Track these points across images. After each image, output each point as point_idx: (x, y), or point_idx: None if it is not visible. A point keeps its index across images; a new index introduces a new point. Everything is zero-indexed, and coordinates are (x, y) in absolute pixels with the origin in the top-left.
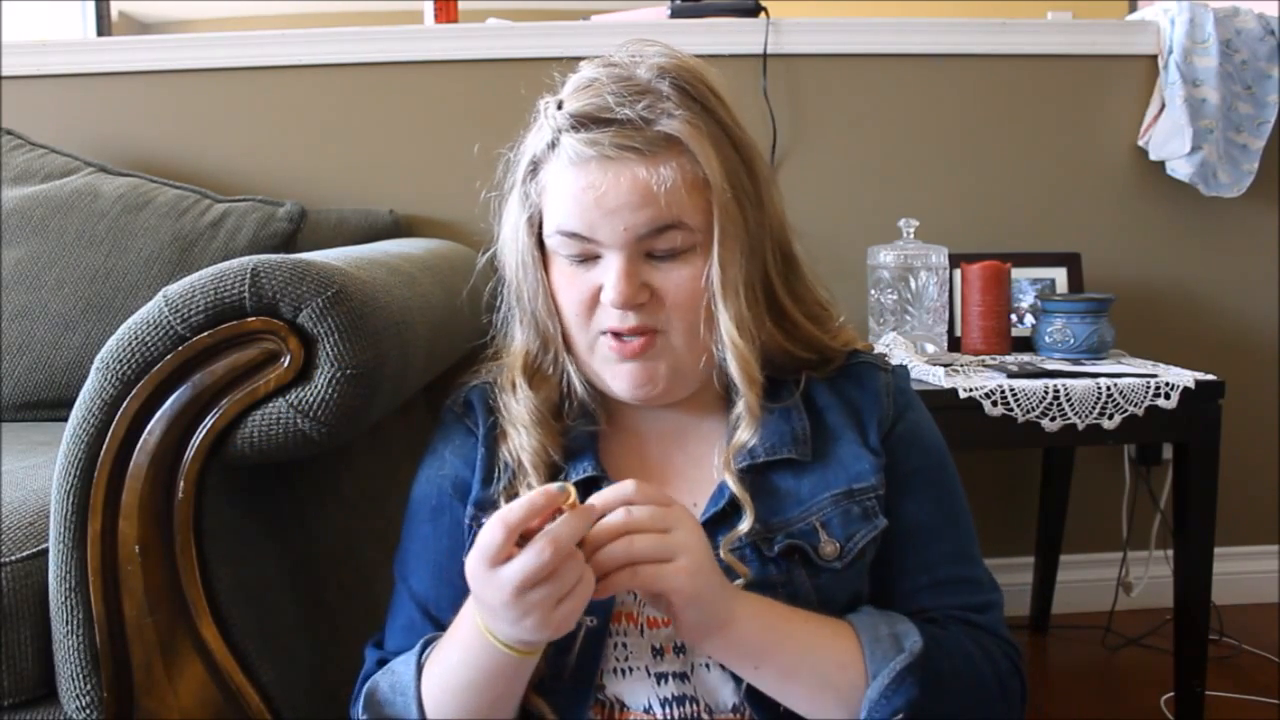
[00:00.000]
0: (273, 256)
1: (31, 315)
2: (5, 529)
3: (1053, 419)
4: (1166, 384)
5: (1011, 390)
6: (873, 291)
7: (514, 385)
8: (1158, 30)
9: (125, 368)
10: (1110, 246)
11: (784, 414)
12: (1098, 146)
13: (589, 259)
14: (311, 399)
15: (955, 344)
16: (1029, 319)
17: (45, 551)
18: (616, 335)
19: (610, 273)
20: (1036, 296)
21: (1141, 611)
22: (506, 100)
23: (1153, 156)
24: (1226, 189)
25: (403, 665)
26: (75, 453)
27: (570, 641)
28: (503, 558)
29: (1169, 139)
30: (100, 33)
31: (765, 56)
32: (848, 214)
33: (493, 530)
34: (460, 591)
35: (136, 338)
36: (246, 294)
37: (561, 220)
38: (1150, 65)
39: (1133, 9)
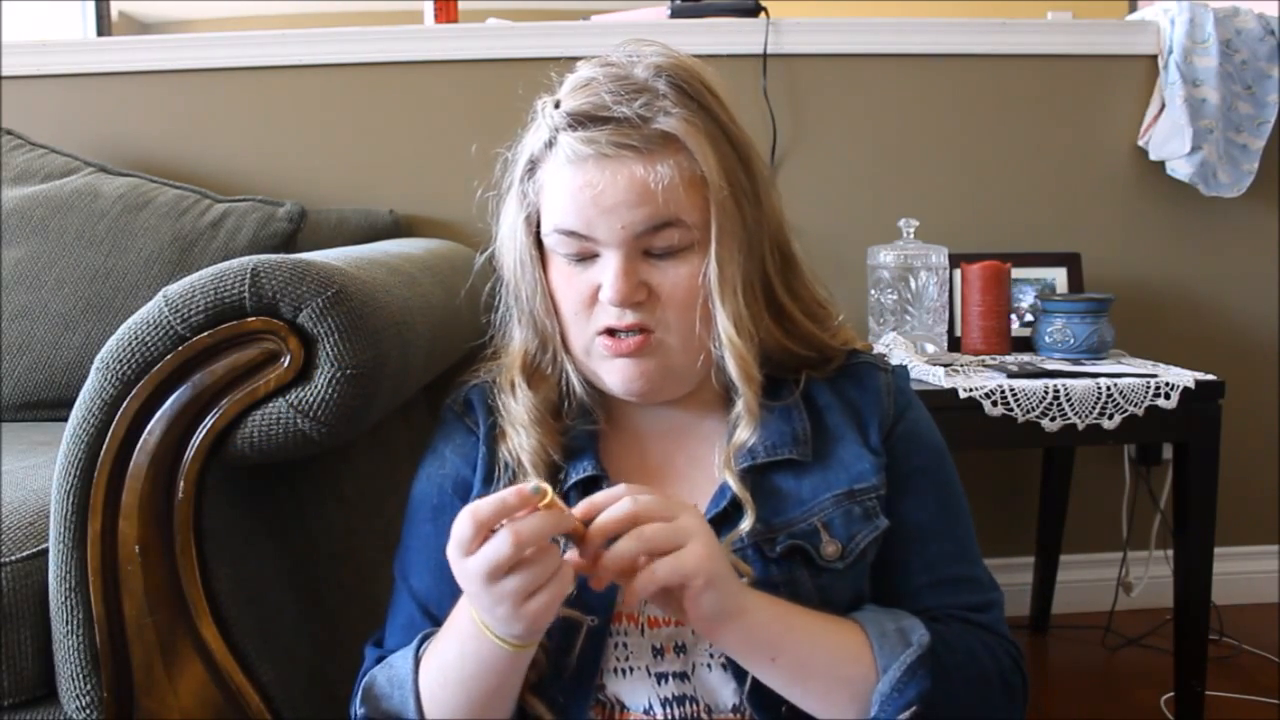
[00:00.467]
0: (273, 256)
1: (31, 315)
2: (5, 529)
3: (1053, 419)
4: (1166, 384)
5: (1011, 390)
6: (873, 291)
7: (513, 385)
8: (1158, 30)
9: (125, 368)
10: (1110, 246)
11: (784, 414)
12: (1098, 146)
13: (587, 258)
14: (311, 399)
15: (955, 344)
16: (1028, 317)
17: (45, 551)
18: (611, 333)
19: (608, 271)
20: (1036, 297)
21: (1141, 611)
22: (506, 100)
23: (1153, 156)
24: (1226, 189)
25: (400, 659)
26: (75, 453)
27: (571, 641)
28: (472, 549)
29: (1169, 139)
30: (100, 33)
31: (765, 56)
32: (848, 214)
33: (462, 522)
34: (460, 590)
35: (136, 338)
36: (246, 294)
37: (559, 219)
38: (1150, 65)
39: (1133, 9)
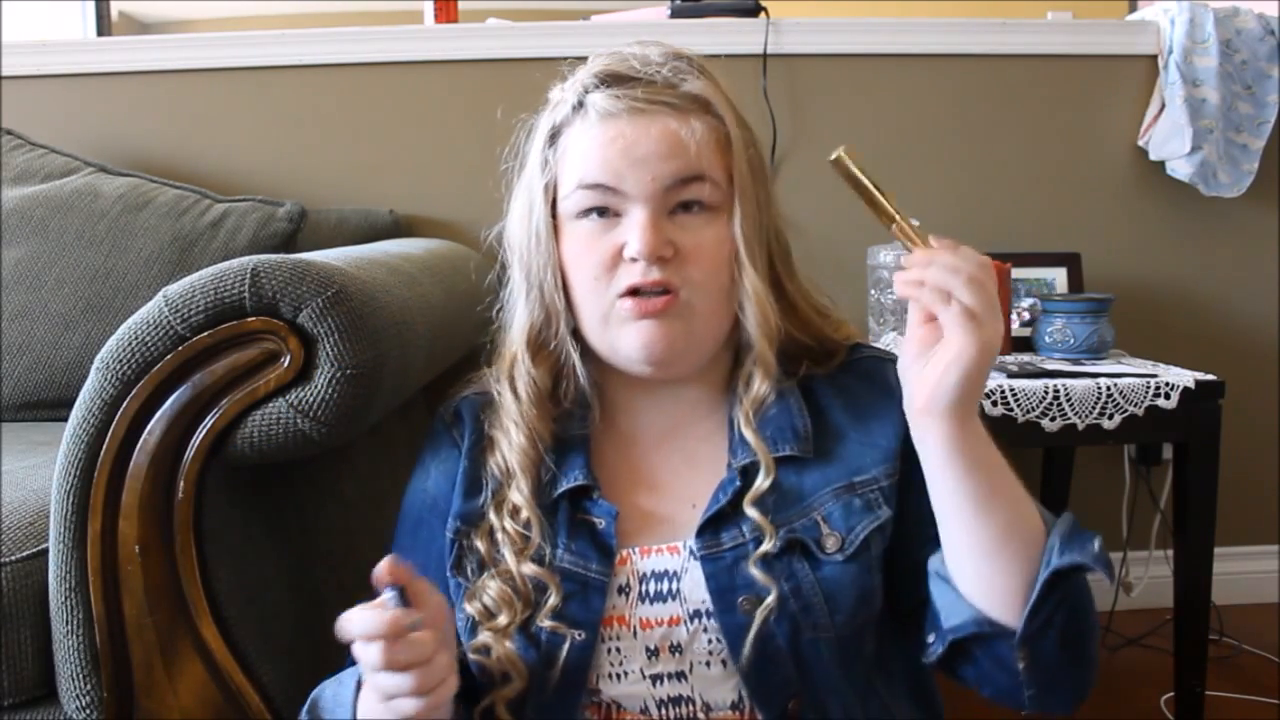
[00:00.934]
0: (273, 256)
1: (31, 315)
2: (5, 529)
3: (1053, 419)
4: (1166, 384)
5: (1011, 390)
6: (873, 291)
7: (513, 363)
8: (1158, 30)
9: (125, 368)
10: (1110, 246)
11: (784, 408)
12: (1098, 146)
13: (610, 217)
14: (311, 399)
15: None
16: (1026, 316)
17: (45, 551)
18: (635, 294)
19: (635, 226)
20: (1036, 297)
21: (1141, 611)
22: (506, 100)
23: (1153, 156)
24: (1226, 189)
25: (349, 676)
26: (75, 453)
27: (554, 655)
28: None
29: (1169, 139)
30: (100, 33)
31: (765, 56)
32: (848, 214)
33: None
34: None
35: (136, 338)
36: (246, 294)
37: (586, 173)
38: (1150, 65)
39: (1133, 9)
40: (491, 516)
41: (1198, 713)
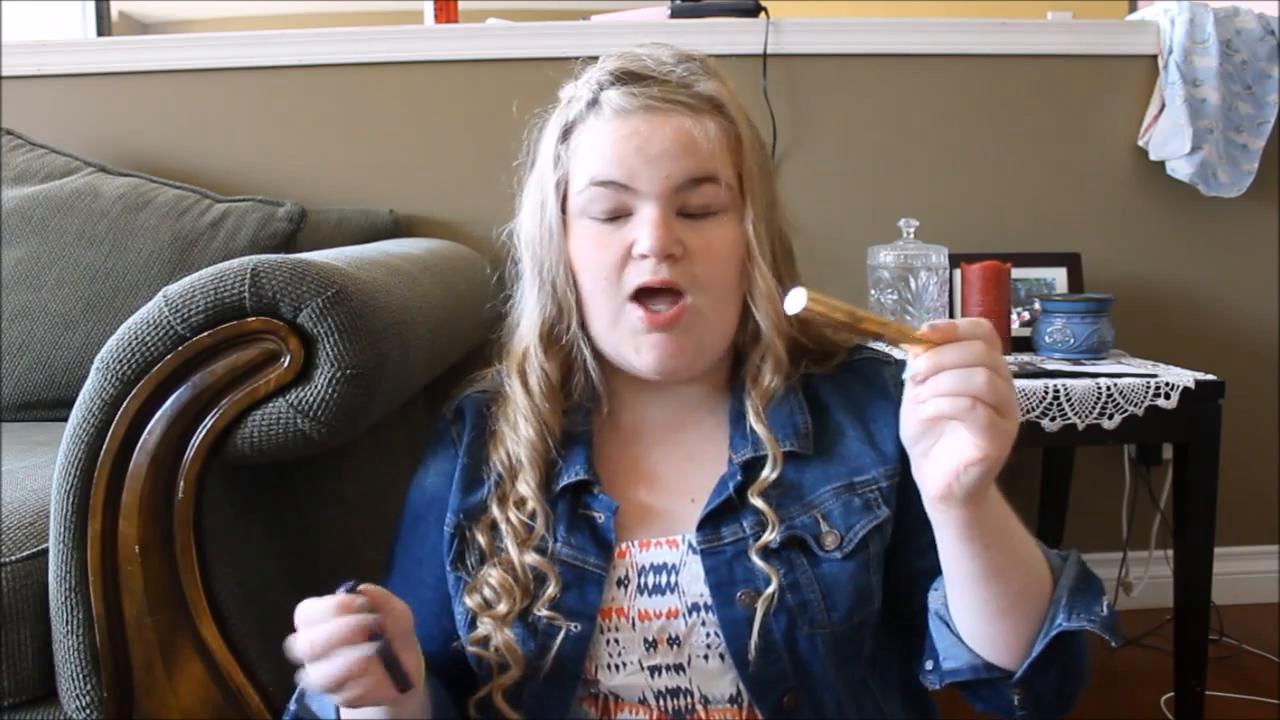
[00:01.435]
0: (273, 256)
1: (31, 315)
2: (5, 529)
3: (1053, 419)
4: (1166, 384)
5: None
6: (873, 291)
7: (525, 357)
8: (1158, 30)
9: (125, 368)
10: (1110, 246)
11: (785, 406)
12: (1098, 146)
13: (620, 216)
14: (311, 399)
15: None
16: (1026, 316)
17: (45, 551)
18: (645, 306)
19: (645, 223)
20: (1036, 297)
21: (1141, 611)
22: (506, 100)
23: (1153, 156)
24: (1226, 189)
25: None
26: (75, 453)
27: (550, 643)
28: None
29: (1169, 139)
30: (100, 33)
31: (765, 56)
32: (848, 214)
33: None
34: (425, 601)
35: (136, 338)
36: (246, 294)
37: (598, 170)
38: (1150, 65)
39: (1133, 9)
40: (494, 509)
41: (1198, 713)
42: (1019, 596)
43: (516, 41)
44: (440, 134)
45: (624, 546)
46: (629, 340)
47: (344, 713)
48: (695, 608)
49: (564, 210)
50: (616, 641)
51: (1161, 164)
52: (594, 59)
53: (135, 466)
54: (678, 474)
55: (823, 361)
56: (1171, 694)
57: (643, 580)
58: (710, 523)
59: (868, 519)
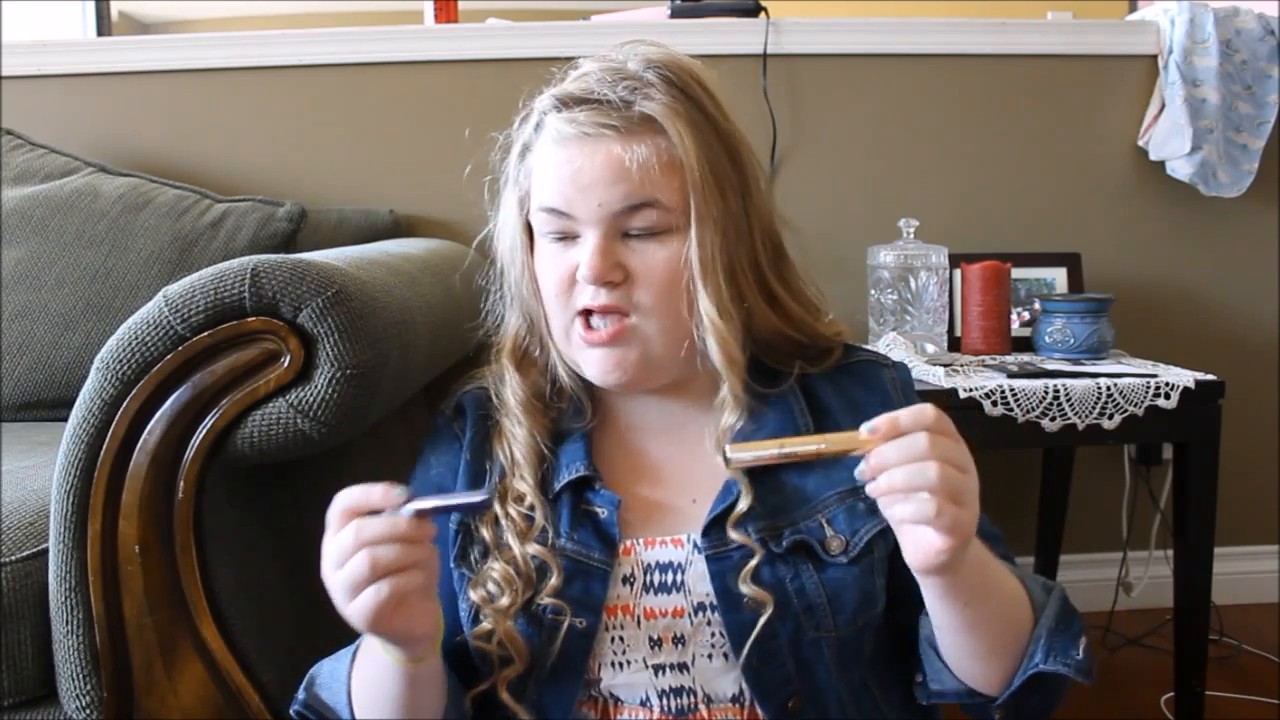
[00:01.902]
0: (273, 256)
1: (31, 315)
2: (5, 529)
3: (1053, 419)
4: (1166, 384)
5: (1011, 390)
6: (873, 291)
7: (503, 369)
8: (1158, 30)
9: (125, 368)
10: (1110, 246)
11: (784, 408)
12: (1098, 146)
13: (569, 238)
14: (311, 399)
15: (955, 344)
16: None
17: (45, 551)
18: (587, 323)
19: (585, 249)
20: (1036, 297)
21: (1141, 611)
22: (506, 100)
23: (1153, 156)
24: (1226, 189)
25: (345, 653)
26: (75, 453)
27: (555, 635)
28: (331, 534)
29: (1169, 139)
30: (100, 33)
31: (765, 56)
32: (848, 214)
33: (334, 503)
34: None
35: (136, 338)
36: (246, 294)
37: (544, 197)
38: (1150, 65)
39: (1133, 9)
40: (496, 504)
41: (1198, 713)
42: (1000, 639)
43: (516, 41)
44: (440, 134)
45: (629, 543)
46: (578, 353)
47: (358, 679)
48: (701, 607)
49: (529, 225)
50: (621, 639)
51: (1161, 164)
52: (576, 59)
53: (135, 466)
54: (678, 471)
55: (818, 360)
56: (1171, 694)
57: (649, 578)
58: (716, 527)
59: (872, 524)
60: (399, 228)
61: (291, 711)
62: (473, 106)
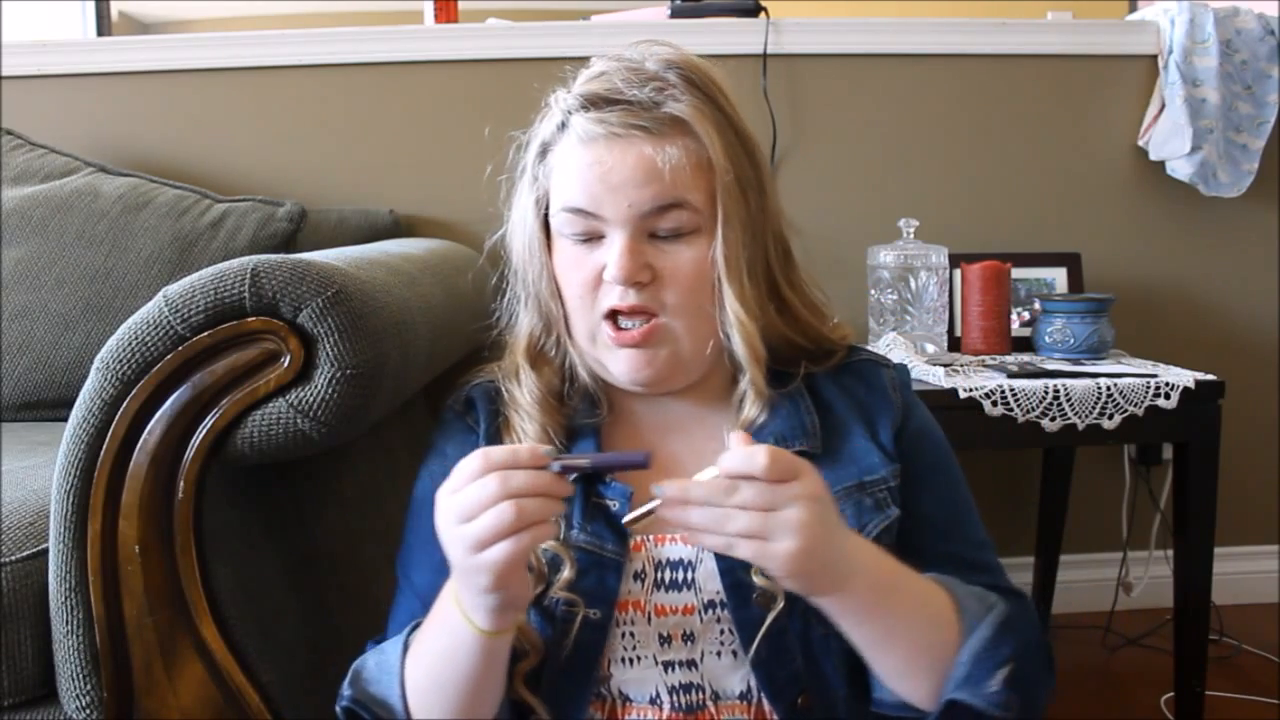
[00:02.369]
0: (273, 256)
1: (31, 315)
2: (5, 529)
3: (1053, 419)
4: (1166, 384)
5: (1011, 390)
6: (873, 291)
7: (518, 369)
8: (1158, 30)
9: (125, 368)
10: (1110, 246)
11: (792, 405)
12: (1098, 146)
13: (593, 239)
14: (311, 399)
15: (955, 344)
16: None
17: (45, 551)
18: (616, 324)
19: (613, 249)
20: (1036, 297)
21: (1141, 611)
22: (506, 100)
23: (1153, 156)
24: (1226, 189)
25: (392, 645)
26: (75, 453)
27: (569, 628)
28: (462, 486)
29: (1169, 139)
30: (100, 33)
31: (765, 56)
32: (848, 214)
33: (472, 459)
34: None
35: (136, 338)
36: (246, 294)
37: (568, 197)
38: (1150, 65)
39: (1133, 9)
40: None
41: (1198, 713)
42: (915, 659)
43: (516, 41)
44: (440, 134)
45: (640, 539)
46: (605, 354)
47: (418, 662)
48: (711, 605)
49: (547, 225)
50: (632, 635)
51: (1161, 164)
52: (585, 59)
53: (135, 466)
54: (687, 470)
55: (821, 360)
56: (1171, 694)
57: (660, 575)
58: None
59: (879, 519)
60: (399, 228)
61: (338, 709)
62: (472, 106)
